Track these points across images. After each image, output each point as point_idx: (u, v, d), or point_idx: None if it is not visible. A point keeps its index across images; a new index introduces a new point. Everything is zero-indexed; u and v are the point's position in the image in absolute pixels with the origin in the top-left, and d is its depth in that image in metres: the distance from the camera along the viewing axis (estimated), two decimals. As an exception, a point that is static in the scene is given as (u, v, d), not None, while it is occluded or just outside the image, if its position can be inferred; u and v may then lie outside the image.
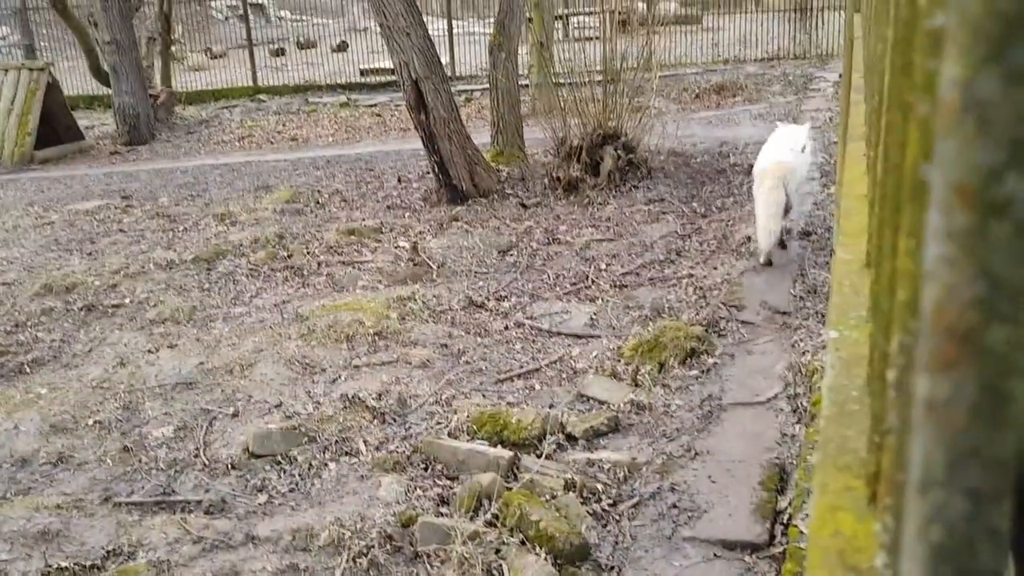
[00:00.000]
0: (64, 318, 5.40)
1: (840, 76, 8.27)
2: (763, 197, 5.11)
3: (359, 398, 4.04)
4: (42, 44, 18.19)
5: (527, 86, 11.12)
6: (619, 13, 8.41)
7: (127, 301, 5.60)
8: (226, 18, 22.21)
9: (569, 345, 4.63)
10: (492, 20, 9.30)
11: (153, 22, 14.49)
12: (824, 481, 0.90)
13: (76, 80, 15.67)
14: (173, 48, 15.55)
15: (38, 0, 16.46)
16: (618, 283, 5.46)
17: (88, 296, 5.69)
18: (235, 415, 4.01)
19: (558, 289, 5.46)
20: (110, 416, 4.07)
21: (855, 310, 1.25)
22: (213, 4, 20.88)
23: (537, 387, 4.19)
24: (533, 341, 4.73)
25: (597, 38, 8.33)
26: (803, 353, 4.13)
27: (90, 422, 4.02)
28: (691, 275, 5.38)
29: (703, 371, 4.14)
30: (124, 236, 7.28)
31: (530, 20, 10.74)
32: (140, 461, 3.70)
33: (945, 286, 0.39)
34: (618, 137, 7.44)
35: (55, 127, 12.00)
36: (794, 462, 3.29)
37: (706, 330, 4.45)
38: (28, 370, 4.70)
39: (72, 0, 14.07)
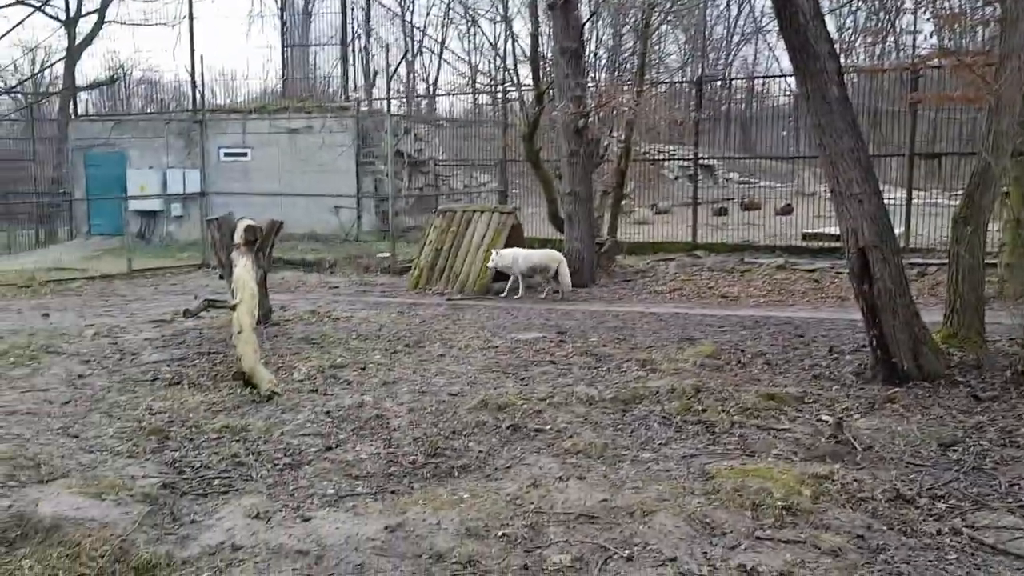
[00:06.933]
0: (493, 433, 5.87)
1: None
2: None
3: (758, 571, 3.74)
4: (513, 191, 20.90)
5: (995, 265, 10.04)
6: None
7: (547, 427, 5.94)
8: (676, 177, 23.59)
9: (1019, 569, 3.85)
10: (959, 192, 8.60)
11: (609, 177, 15.90)
12: None
13: (535, 224, 17.64)
14: (623, 202, 16.85)
15: (516, 153, 18.99)
16: (1096, 507, 4.47)
17: (515, 417, 6.15)
18: (629, 559, 3.95)
19: (1011, 500, 4.63)
20: (517, 532, 4.25)
21: None
22: (666, 164, 22.34)
23: (975, 612, 3.52)
24: (972, 555, 4.02)
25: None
26: None
27: (499, 534, 4.23)
28: None
29: None
30: (554, 368, 7.82)
31: (1006, 194, 9.78)
32: (535, 584, 3.78)
33: None
34: (1109, 333, 6.29)
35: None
36: None
37: None
38: (456, 474, 5.16)
39: (544, 155, 16.05)
